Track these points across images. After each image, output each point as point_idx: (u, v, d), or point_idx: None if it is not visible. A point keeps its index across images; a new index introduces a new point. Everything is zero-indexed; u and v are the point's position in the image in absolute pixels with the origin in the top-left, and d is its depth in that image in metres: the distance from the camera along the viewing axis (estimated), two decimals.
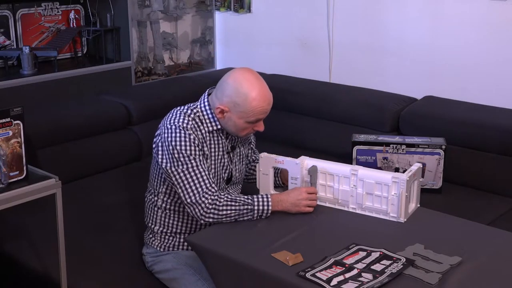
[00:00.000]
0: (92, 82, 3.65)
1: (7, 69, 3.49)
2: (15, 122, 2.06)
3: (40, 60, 3.58)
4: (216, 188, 2.10)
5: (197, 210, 2.08)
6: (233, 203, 2.07)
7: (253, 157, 2.47)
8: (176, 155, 2.09)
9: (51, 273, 2.32)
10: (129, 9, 3.79)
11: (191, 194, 2.08)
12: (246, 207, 2.07)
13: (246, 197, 2.10)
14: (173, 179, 2.11)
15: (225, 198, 2.08)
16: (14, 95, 3.26)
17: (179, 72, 4.19)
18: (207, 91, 2.23)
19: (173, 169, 2.10)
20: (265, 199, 2.09)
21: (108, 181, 3.15)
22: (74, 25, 3.83)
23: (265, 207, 2.08)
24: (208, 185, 2.08)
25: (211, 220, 2.08)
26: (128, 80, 3.87)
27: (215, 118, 2.18)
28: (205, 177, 2.09)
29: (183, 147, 2.09)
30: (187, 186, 2.08)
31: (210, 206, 2.06)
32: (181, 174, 2.09)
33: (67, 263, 2.23)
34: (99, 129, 3.30)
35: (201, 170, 2.09)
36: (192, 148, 2.10)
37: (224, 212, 2.07)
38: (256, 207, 2.08)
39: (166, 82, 3.97)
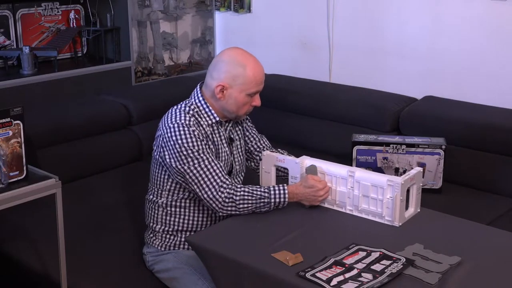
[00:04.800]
0: (92, 82, 3.65)
1: (7, 69, 3.49)
2: (15, 122, 2.06)
3: (40, 60, 3.58)
4: (230, 180, 2.13)
5: (214, 205, 2.11)
6: (250, 197, 2.09)
7: (264, 144, 2.46)
8: (185, 152, 2.10)
9: (51, 273, 2.33)
10: (129, 9, 3.79)
11: (206, 189, 2.10)
12: (263, 200, 2.10)
13: (262, 189, 2.12)
14: (187, 176, 2.12)
15: (242, 192, 2.10)
16: (14, 95, 3.27)
17: (179, 72, 4.19)
18: (198, 85, 2.25)
19: (185, 167, 2.11)
20: (282, 192, 2.11)
21: (108, 181, 3.15)
22: (74, 25, 3.83)
23: (282, 199, 2.11)
24: (222, 178, 2.11)
25: (229, 212, 2.12)
26: (128, 80, 3.87)
27: (212, 111, 2.20)
28: (217, 171, 2.11)
29: (190, 144, 2.10)
30: (202, 182, 2.10)
31: (227, 200, 2.09)
32: (194, 171, 2.10)
33: (67, 263, 2.23)
34: (99, 129, 3.30)
35: (213, 164, 2.11)
36: (199, 143, 2.11)
37: (241, 206, 2.09)
38: (273, 200, 2.10)
39: (166, 82, 3.97)
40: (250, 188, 2.12)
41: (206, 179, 2.10)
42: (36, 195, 2.13)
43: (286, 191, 2.11)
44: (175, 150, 2.11)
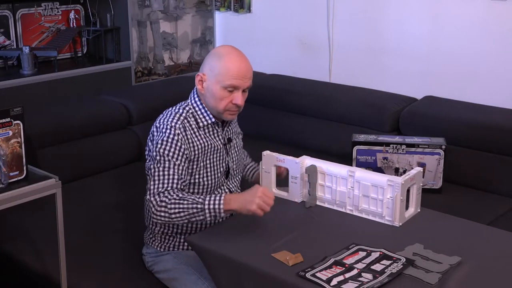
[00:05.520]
0: (92, 82, 3.65)
1: (7, 69, 3.49)
2: (15, 122, 2.06)
3: (40, 60, 3.58)
4: (174, 192, 2.04)
5: (150, 206, 2.04)
6: (181, 202, 1.99)
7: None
8: (154, 154, 2.10)
9: (51, 273, 2.33)
10: (129, 9, 3.79)
11: (151, 190, 2.05)
12: (195, 206, 1.98)
13: (198, 196, 2.02)
14: (150, 167, 2.11)
15: (175, 196, 2.02)
16: (14, 95, 3.27)
17: (179, 72, 4.19)
18: (195, 87, 2.24)
19: (150, 165, 2.11)
20: (217, 198, 1.97)
21: (108, 181, 3.15)
22: (74, 25, 3.83)
23: (216, 206, 1.96)
24: (168, 187, 2.04)
25: (162, 219, 2.02)
26: (128, 80, 3.87)
27: (208, 112, 2.19)
28: (171, 179, 2.06)
29: (162, 147, 2.08)
30: (151, 183, 2.07)
31: (161, 204, 2.01)
32: (152, 171, 2.08)
33: (67, 263, 2.23)
34: (99, 129, 3.30)
35: (172, 171, 2.06)
36: (172, 149, 2.09)
37: (173, 211, 1.99)
38: (206, 206, 1.96)
39: (166, 82, 3.97)
40: (187, 194, 2.04)
41: (157, 181, 2.06)
42: (36, 195, 2.12)
43: (222, 197, 1.96)
44: (153, 151, 2.11)
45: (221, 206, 1.96)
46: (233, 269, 1.87)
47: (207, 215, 1.98)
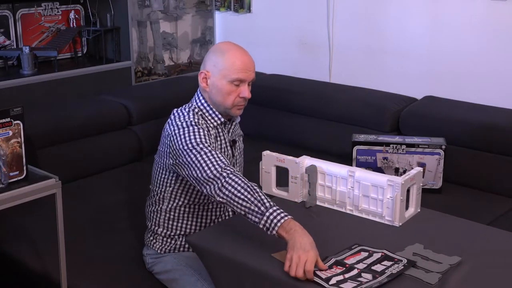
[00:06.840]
0: (92, 82, 3.65)
1: (7, 69, 3.49)
2: (15, 122, 2.06)
3: (40, 60, 3.58)
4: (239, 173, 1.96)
5: (214, 184, 1.91)
6: (252, 192, 1.85)
7: None
8: (188, 147, 2.01)
9: (51, 273, 2.33)
10: (129, 9, 3.79)
11: (207, 170, 1.93)
12: (259, 205, 1.84)
13: (268, 199, 1.87)
14: (188, 159, 1.99)
15: (247, 182, 1.89)
16: (14, 95, 3.27)
17: (179, 72, 4.19)
18: (198, 89, 2.22)
19: (187, 159, 2.00)
20: (281, 215, 1.80)
21: (108, 181, 3.15)
22: (74, 25, 3.83)
23: (275, 221, 1.79)
24: (227, 163, 1.96)
25: (224, 196, 1.88)
26: (128, 80, 3.87)
27: (216, 113, 2.18)
28: (222, 158, 1.97)
29: (198, 139, 2.02)
30: (203, 163, 1.95)
31: (232, 176, 1.89)
32: (198, 155, 1.97)
33: (67, 263, 2.23)
34: (99, 129, 3.30)
35: (217, 152, 1.99)
36: (207, 138, 2.04)
37: (239, 195, 1.86)
38: (268, 214, 1.81)
39: (166, 82, 3.97)
40: (258, 188, 1.90)
41: (208, 160, 1.94)
42: (36, 195, 2.12)
43: (287, 218, 1.79)
44: (183, 145, 2.02)
45: (278, 224, 1.78)
46: (233, 269, 1.87)
47: (262, 221, 1.82)
